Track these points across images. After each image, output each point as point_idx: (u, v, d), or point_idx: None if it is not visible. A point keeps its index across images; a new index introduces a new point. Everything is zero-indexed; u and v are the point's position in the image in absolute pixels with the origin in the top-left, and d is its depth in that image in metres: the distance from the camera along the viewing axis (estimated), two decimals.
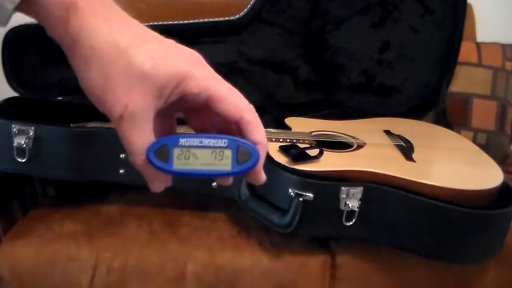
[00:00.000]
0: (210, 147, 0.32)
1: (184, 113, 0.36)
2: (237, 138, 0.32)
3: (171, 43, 0.32)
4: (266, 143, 0.34)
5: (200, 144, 0.32)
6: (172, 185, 0.35)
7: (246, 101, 0.33)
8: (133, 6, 1.14)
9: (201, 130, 0.36)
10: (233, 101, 0.32)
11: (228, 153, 0.32)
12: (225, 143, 0.32)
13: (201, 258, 0.84)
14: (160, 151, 0.31)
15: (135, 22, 0.32)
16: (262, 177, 0.35)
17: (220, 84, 0.32)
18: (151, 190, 0.34)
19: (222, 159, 0.32)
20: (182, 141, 0.32)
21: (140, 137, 0.31)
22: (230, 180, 0.36)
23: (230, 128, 0.34)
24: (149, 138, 0.31)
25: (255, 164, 0.33)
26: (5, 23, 0.31)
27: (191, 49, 0.33)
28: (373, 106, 1.16)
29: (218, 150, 0.32)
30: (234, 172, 0.32)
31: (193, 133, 0.33)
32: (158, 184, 0.34)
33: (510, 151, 1.21)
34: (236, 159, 0.32)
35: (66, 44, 0.30)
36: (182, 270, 0.83)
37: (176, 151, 0.32)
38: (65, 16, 0.29)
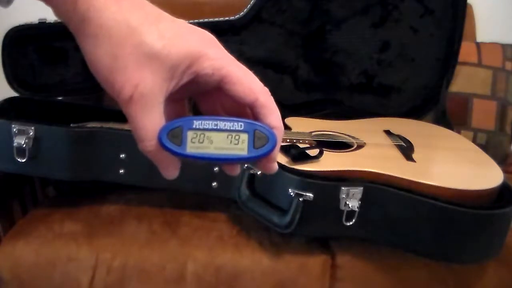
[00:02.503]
0: (225, 130, 0.30)
1: (194, 97, 0.35)
2: (253, 122, 0.31)
3: (183, 23, 0.31)
4: (282, 127, 0.32)
5: (215, 127, 0.30)
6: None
7: (261, 84, 0.32)
8: None
9: (213, 115, 0.34)
10: (248, 83, 0.31)
11: (245, 137, 0.30)
12: (241, 126, 0.30)
13: (201, 258, 0.84)
14: (173, 134, 0.30)
15: (145, 1, 0.31)
16: (275, 165, 0.33)
17: (234, 65, 0.31)
18: (164, 177, 0.32)
19: (238, 143, 0.30)
20: (196, 123, 0.30)
21: (150, 120, 0.29)
22: (237, 170, 0.34)
23: (244, 113, 0.33)
24: (160, 122, 0.30)
25: (272, 148, 0.31)
26: (6, 3, 0.30)
27: (204, 30, 0.32)
28: (373, 106, 1.16)
29: (234, 134, 0.30)
30: (251, 157, 0.31)
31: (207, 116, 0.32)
32: (172, 170, 0.32)
33: (510, 151, 1.21)
34: (253, 144, 0.30)
35: (74, 24, 0.29)
36: (182, 270, 0.83)
37: (190, 134, 0.30)
38: None
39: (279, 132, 0.32)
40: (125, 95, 0.29)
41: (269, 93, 0.32)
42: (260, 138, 0.30)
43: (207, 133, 0.30)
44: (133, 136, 0.30)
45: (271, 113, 0.31)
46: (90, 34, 0.29)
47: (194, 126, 0.30)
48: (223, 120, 0.30)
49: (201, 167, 0.85)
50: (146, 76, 0.29)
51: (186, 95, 0.34)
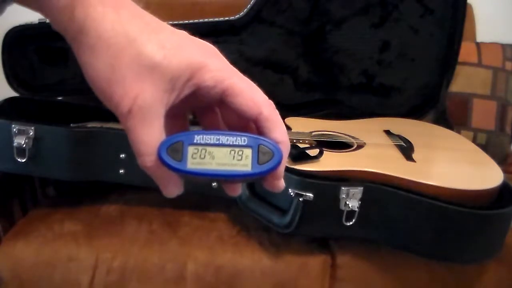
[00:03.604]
0: (228, 145, 0.29)
1: (196, 111, 0.34)
2: (258, 136, 0.29)
3: (184, 34, 0.30)
4: (288, 142, 0.31)
5: (217, 142, 0.29)
6: None
7: (265, 96, 0.30)
8: None
9: (215, 130, 0.33)
10: (251, 95, 0.29)
11: (248, 152, 0.29)
12: (244, 141, 0.29)
13: (201, 258, 0.84)
14: (173, 149, 0.28)
15: (145, 12, 0.30)
16: (282, 183, 0.31)
17: (236, 77, 0.30)
18: (164, 195, 0.31)
19: (241, 159, 0.29)
20: (198, 138, 0.28)
21: (150, 135, 0.28)
22: (239, 189, 0.33)
23: (248, 128, 0.31)
24: (160, 136, 0.28)
25: (278, 164, 0.29)
26: None
27: (205, 41, 0.30)
28: (373, 106, 1.16)
29: (237, 149, 0.29)
30: (255, 173, 0.29)
31: (209, 130, 0.30)
32: (172, 188, 0.30)
33: (510, 151, 1.21)
34: (257, 159, 0.29)
35: (71, 35, 0.28)
36: (182, 270, 0.83)
37: (191, 149, 0.28)
38: (71, 5, 0.27)
39: (285, 147, 0.30)
40: (123, 108, 0.28)
41: (274, 106, 0.30)
42: (265, 154, 0.29)
43: (209, 149, 0.29)
44: (132, 150, 0.29)
45: (276, 127, 0.30)
46: (87, 45, 0.28)
47: (195, 141, 0.29)
48: (226, 135, 0.29)
49: None
50: (146, 88, 0.27)
51: (188, 109, 0.33)
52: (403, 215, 0.77)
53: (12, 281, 0.82)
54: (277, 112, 0.30)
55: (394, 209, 0.77)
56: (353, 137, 0.96)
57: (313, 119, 1.07)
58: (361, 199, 0.77)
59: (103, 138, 0.84)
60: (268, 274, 0.83)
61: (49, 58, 1.03)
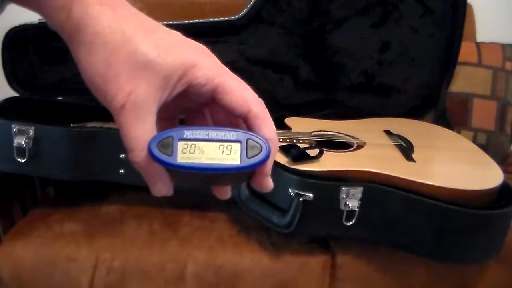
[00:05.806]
0: (217, 140, 0.29)
1: (186, 115, 0.35)
2: (246, 131, 0.30)
3: (178, 34, 0.31)
4: (277, 139, 0.31)
5: (207, 137, 0.29)
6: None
7: (255, 94, 0.31)
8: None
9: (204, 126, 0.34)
10: (241, 93, 0.30)
11: (237, 147, 0.30)
12: (233, 136, 0.30)
13: (201, 258, 0.84)
14: (163, 144, 0.29)
15: (141, 13, 0.31)
16: (270, 182, 0.32)
17: (227, 76, 0.31)
18: (152, 194, 0.32)
19: (230, 153, 0.29)
20: (187, 133, 0.29)
21: (141, 130, 0.29)
22: (229, 193, 0.34)
23: (238, 126, 0.32)
24: (152, 132, 0.29)
25: (266, 158, 0.30)
26: None
27: (198, 43, 0.32)
28: (373, 106, 1.16)
29: (226, 144, 0.30)
30: (243, 167, 0.30)
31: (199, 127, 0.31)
32: (161, 186, 0.31)
33: (510, 151, 1.21)
34: (246, 153, 0.30)
35: (68, 33, 0.29)
36: (182, 270, 0.83)
37: (181, 144, 0.29)
38: (68, 4, 0.28)
39: (274, 144, 0.31)
40: (117, 103, 0.28)
41: (263, 104, 0.31)
42: (253, 148, 0.30)
43: (198, 144, 0.29)
44: (124, 146, 0.30)
45: (265, 124, 0.31)
46: (84, 42, 0.28)
47: (185, 136, 0.29)
48: (215, 130, 0.30)
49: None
50: (140, 84, 0.28)
51: (178, 111, 0.34)
52: (403, 215, 0.77)
53: (12, 281, 0.82)
54: (266, 110, 0.31)
55: (394, 209, 0.77)
56: (353, 137, 0.96)
57: (313, 119, 1.07)
58: (361, 199, 0.77)
59: (103, 138, 0.84)
60: (268, 274, 0.83)
61: (49, 58, 1.03)
